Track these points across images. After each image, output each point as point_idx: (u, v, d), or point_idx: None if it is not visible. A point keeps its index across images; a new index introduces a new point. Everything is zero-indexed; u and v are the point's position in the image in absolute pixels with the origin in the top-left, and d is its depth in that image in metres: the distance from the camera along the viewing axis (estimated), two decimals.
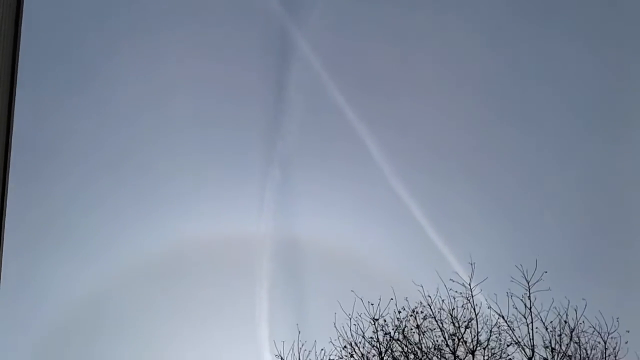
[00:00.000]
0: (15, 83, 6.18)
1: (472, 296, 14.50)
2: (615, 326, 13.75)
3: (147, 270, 20.35)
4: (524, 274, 14.14)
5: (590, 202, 19.88)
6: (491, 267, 15.75)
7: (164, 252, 20.21)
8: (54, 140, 20.03)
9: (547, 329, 13.97)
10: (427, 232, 18.29)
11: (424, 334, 14.60)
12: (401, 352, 14.67)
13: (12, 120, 6.30)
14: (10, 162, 6.76)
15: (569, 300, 13.95)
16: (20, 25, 6.13)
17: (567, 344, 13.89)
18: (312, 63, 20.52)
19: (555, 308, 13.98)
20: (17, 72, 6.10)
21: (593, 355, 13.90)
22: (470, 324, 14.38)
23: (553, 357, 13.85)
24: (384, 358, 14.60)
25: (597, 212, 19.65)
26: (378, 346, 14.70)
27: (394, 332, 14.70)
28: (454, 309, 14.54)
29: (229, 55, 21.43)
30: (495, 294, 14.39)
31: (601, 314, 13.79)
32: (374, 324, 14.73)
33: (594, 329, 13.88)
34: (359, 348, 14.70)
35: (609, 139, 20.05)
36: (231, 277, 20.75)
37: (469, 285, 14.48)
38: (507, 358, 14.20)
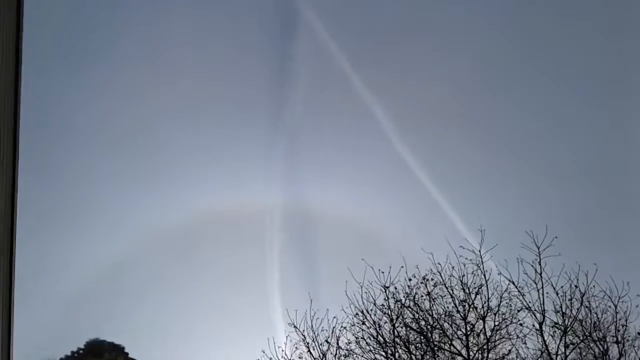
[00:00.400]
0: (21, 63, 6.17)
1: (482, 262, 14.54)
2: (626, 290, 13.80)
3: (160, 243, 20.53)
4: (534, 240, 14.12)
5: (601, 168, 19.75)
6: (501, 233, 15.75)
7: (176, 226, 20.36)
8: (68, 115, 20.05)
9: (557, 293, 14.03)
10: (436, 199, 18.26)
11: (434, 301, 14.71)
12: (412, 318, 14.81)
13: (19, 103, 6.30)
14: (20, 143, 6.82)
15: (579, 265, 13.97)
16: (22, 4, 6.10)
17: (577, 309, 13.97)
18: (317, 31, 20.26)
19: (566, 273, 14.00)
20: (21, 53, 6.08)
21: (604, 320, 13.98)
22: (480, 290, 14.45)
23: (564, 321, 13.93)
24: (396, 325, 14.76)
25: (608, 178, 19.54)
26: (389, 313, 14.84)
27: (405, 299, 14.82)
28: (464, 275, 14.61)
29: (234, 26, 21.22)
30: (506, 260, 14.43)
31: (612, 278, 13.84)
32: (385, 292, 14.85)
33: (605, 293, 13.94)
34: (370, 315, 14.86)
35: (620, 109, 19.81)
36: (242, 247, 20.91)
37: (479, 251, 14.51)
38: (518, 323, 14.31)
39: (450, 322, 14.59)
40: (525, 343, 14.23)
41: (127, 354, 19.88)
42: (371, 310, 14.87)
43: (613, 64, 19.55)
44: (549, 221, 14.34)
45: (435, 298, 14.74)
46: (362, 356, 14.86)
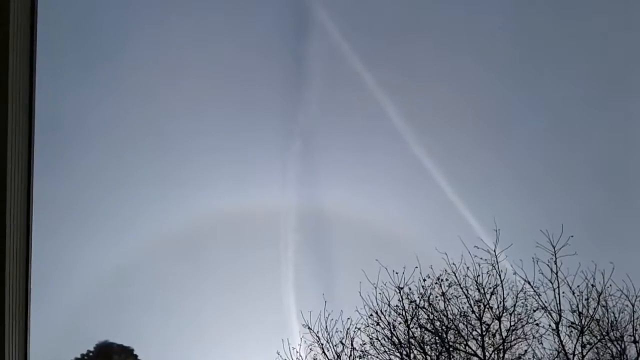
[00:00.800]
0: (35, 63, 6.21)
1: (497, 262, 14.45)
2: None
3: (173, 244, 20.57)
4: (549, 239, 14.00)
5: (616, 167, 19.54)
6: (516, 233, 15.64)
7: (189, 227, 20.39)
8: (77, 116, 20.11)
9: (574, 293, 13.90)
10: (451, 199, 18.14)
11: (449, 301, 14.64)
12: (427, 319, 14.75)
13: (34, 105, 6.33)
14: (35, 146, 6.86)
15: (595, 264, 13.83)
16: (37, 4, 6.14)
17: (594, 308, 13.84)
18: (330, 31, 20.19)
19: (582, 272, 13.87)
20: (36, 54, 6.13)
21: (621, 319, 13.85)
22: (496, 290, 14.36)
23: (580, 321, 13.81)
24: (410, 325, 14.70)
25: (623, 176, 19.33)
26: (404, 314, 14.78)
27: (420, 300, 14.76)
28: (479, 275, 14.53)
29: (246, 27, 21.18)
30: (521, 260, 14.32)
31: (629, 277, 13.70)
32: (399, 292, 14.80)
33: (622, 292, 13.80)
34: (384, 316, 14.82)
35: (631, 106, 19.58)
36: (256, 249, 20.90)
37: (494, 251, 14.42)
38: (534, 323, 14.21)
39: (465, 323, 14.52)
40: (541, 343, 14.16)
41: (136, 355, 19.88)
42: (385, 311, 14.84)
43: (620, 59, 19.39)
44: (564, 220, 14.21)
45: (450, 298, 14.68)
46: (377, 357, 14.84)
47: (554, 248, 13.94)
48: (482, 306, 14.38)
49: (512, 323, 14.19)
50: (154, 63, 20.98)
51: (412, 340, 14.66)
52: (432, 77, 20.94)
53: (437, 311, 14.71)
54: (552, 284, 13.96)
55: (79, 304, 19.98)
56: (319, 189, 21.01)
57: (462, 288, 14.60)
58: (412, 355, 14.60)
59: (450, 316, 14.57)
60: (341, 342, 14.87)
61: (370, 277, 14.68)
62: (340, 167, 21.47)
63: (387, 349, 14.77)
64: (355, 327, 14.90)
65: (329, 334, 14.92)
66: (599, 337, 13.85)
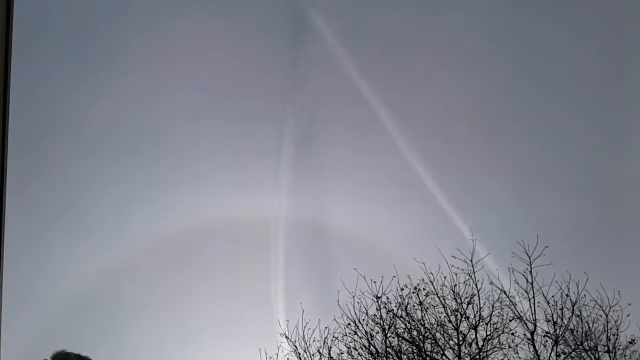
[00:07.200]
0: (10, 63, 6.22)
1: (474, 272, 14.58)
2: (617, 299, 13.85)
3: (163, 250, 20.31)
4: (525, 250, 14.20)
5: (592, 176, 19.77)
6: (493, 242, 15.76)
7: (180, 233, 20.16)
8: (74, 118, 19.83)
9: (548, 303, 14.08)
10: (443, 206, 18.06)
11: (426, 311, 14.72)
12: (404, 328, 14.81)
13: (8, 107, 6.32)
14: (8, 145, 6.85)
15: (570, 275, 14.03)
16: (12, 6, 6.16)
17: (569, 318, 14.00)
18: (326, 36, 20.07)
19: (557, 282, 14.06)
20: (11, 53, 6.13)
21: (595, 329, 14.01)
22: (472, 299, 14.49)
23: (555, 330, 13.95)
24: (388, 335, 14.75)
25: (599, 186, 19.58)
26: (381, 323, 14.83)
27: (397, 309, 14.83)
28: (456, 285, 14.65)
29: (241, 32, 21.05)
30: (497, 270, 14.49)
31: (602, 287, 13.88)
32: (377, 302, 14.86)
33: (596, 302, 13.98)
34: (362, 325, 14.85)
35: (618, 118, 19.81)
36: (246, 255, 20.70)
37: (471, 261, 14.56)
38: (510, 332, 14.33)
39: (442, 332, 14.60)
40: (517, 352, 14.25)
41: None
42: (363, 320, 14.88)
43: (612, 71, 19.64)
44: (542, 230, 14.39)
45: (427, 308, 14.77)
46: None
47: (530, 258, 14.15)
48: (458, 315, 14.48)
49: (488, 332, 14.31)
50: (150, 66, 20.81)
51: (389, 350, 14.69)
52: (426, 85, 20.95)
53: (414, 320, 14.78)
54: (528, 293, 14.13)
55: (68, 306, 19.62)
56: (310, 196, 20.92)
57: (439, 297, 14.71)
58: None
59: (427, 325, 14.65)
60: (318, 351, 14.88)
61: (353, 286, 14.74)
62: (332, 174, 21.37)
63: (364, 359, 14.79)
64: (333, 336, 14.93)
65: (306, 343, 14.93)
66: (573, 347, 13.99)
